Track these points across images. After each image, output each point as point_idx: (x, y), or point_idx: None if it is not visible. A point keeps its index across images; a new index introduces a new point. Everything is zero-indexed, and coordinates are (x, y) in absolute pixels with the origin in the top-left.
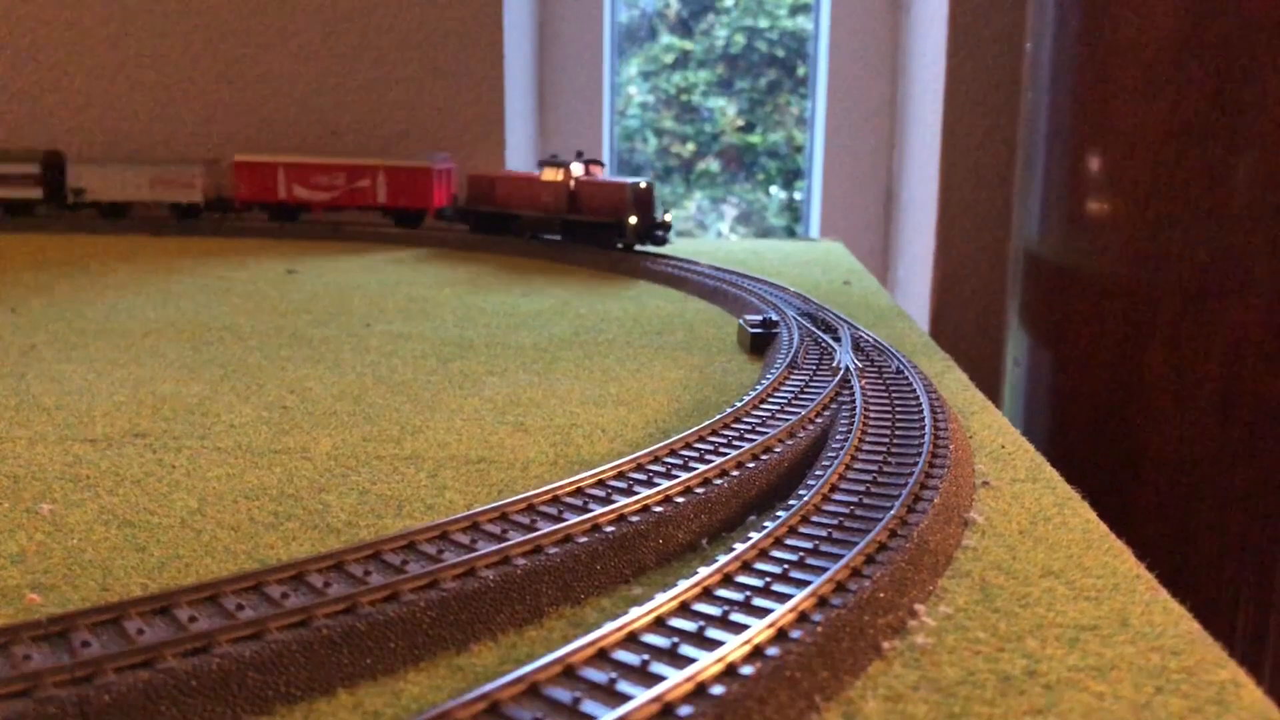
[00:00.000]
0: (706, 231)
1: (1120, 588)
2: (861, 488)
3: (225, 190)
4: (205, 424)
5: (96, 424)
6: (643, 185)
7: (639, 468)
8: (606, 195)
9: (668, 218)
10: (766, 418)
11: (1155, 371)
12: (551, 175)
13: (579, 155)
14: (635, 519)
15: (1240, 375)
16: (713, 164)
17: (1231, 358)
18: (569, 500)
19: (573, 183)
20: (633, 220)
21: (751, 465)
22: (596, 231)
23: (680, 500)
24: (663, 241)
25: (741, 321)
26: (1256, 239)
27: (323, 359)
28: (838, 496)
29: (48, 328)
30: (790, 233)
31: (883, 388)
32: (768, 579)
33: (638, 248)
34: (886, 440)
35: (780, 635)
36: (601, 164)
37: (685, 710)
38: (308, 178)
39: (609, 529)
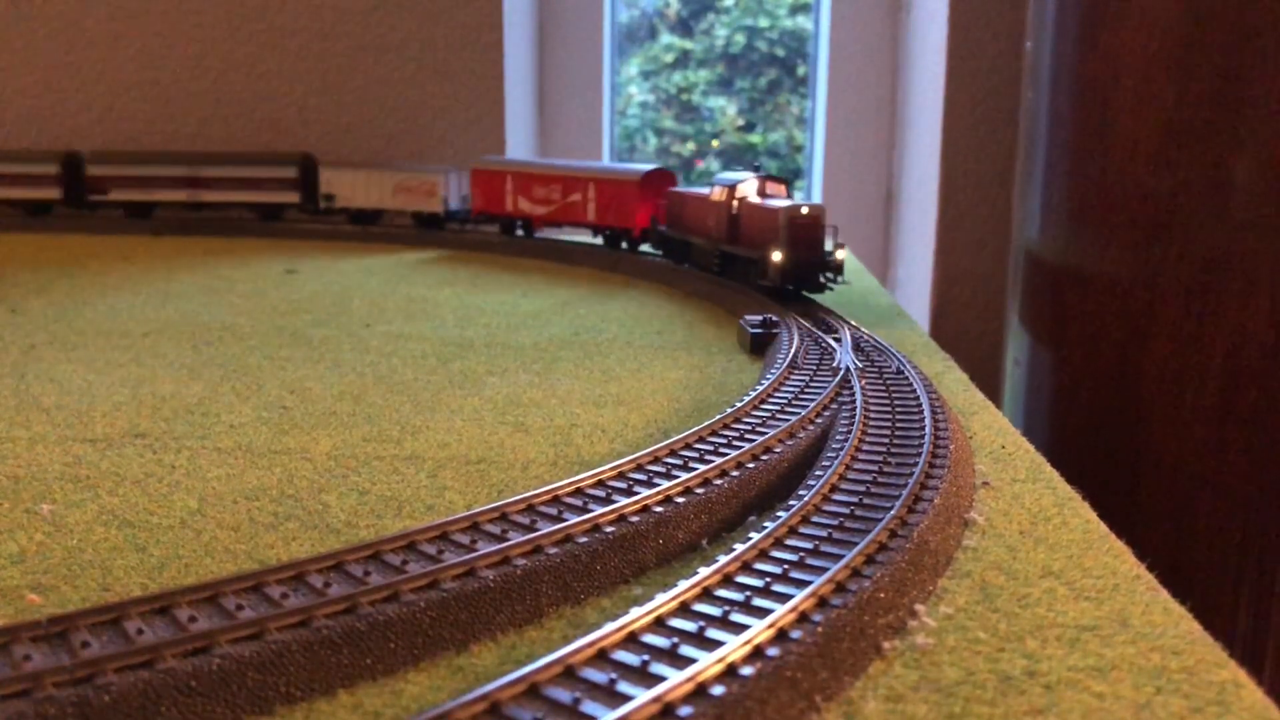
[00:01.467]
0: None
1: (1120, 588)
2: (862, 488)
3: (458, 201)
4: (205, 424)
5: (96, 424)
6: (805, 210)
7: (639, 468)
8: (760, 222)
9: (839, 254)
10: (766, 418)
11: (1155, 372)
12: (718, 195)
13: (755, 169)
14: (635, 519)
15: (1240, 375)
16: (713, 163)
17: (1231, 358)
18: (569, 500)
19: (735, 204)
20: (777, 257)
21: (751, 465)
22: (747, 268)
23: (680, 501)
24: (823, 287)
25: (742, 322)
26: (1256, 239)
27: (323, 359)
28: (838, 497)
29: (48, 328)
30: None
31: (883, 388)
32: (768, 579)
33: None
34: (886, 440)
35: (780, 635)
36: (783, 181)
37: (685, 711)
38: (529, 188)
39: (609, 529)
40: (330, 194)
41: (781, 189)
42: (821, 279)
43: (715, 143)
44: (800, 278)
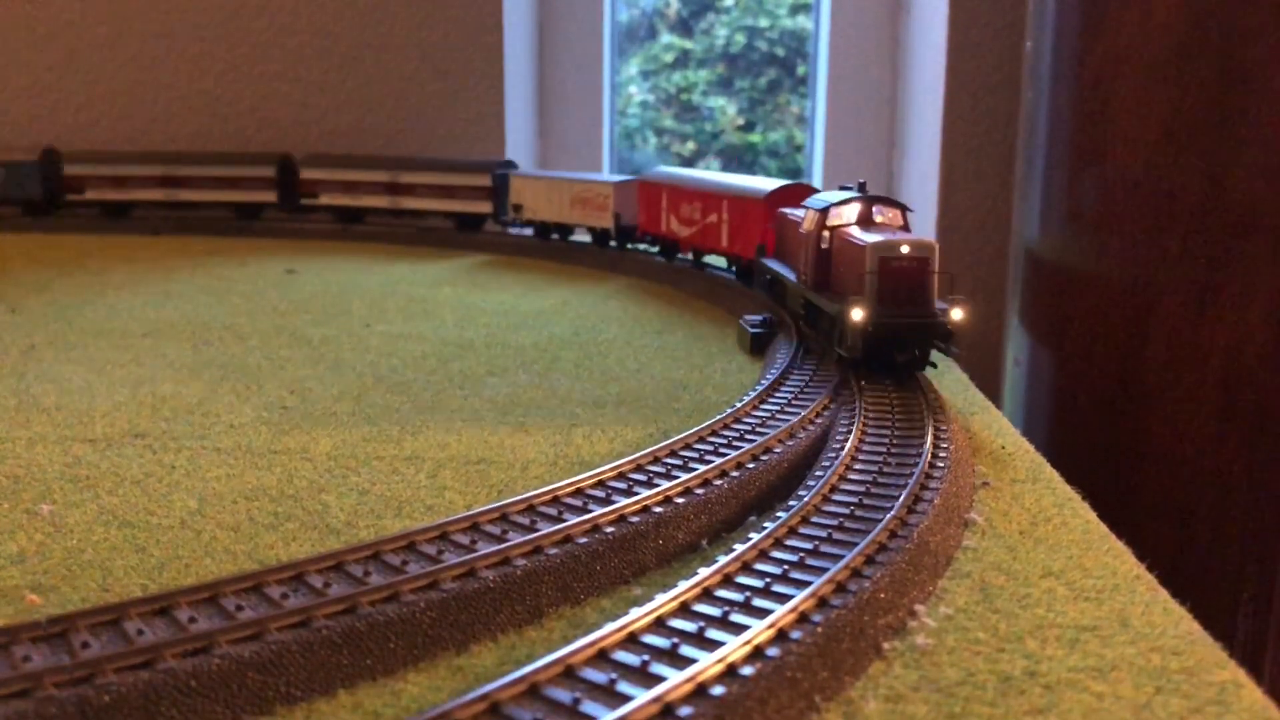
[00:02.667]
0: None
1: (1120, 588)
2: (862, 488)
3: (627, 216)
4: (205, 424)
5: (96, 424)
6: (905, 249)
7: (639, 468)
8: (845, 262)
9: (956, 314)
10: (766, 418)
11: (1155, 371)
12: (808, 223)
13: (859, 187)
14: (635, 519)
15: (1240, 375)
16: (713, 163)
17: (1231, 358)
18: (569, 501)
19: (826, 236)
20: (857, 315)
21: (751, 466)
22: (830, 326)
23: (680, 501)
24: (926, 364)
25: (741, 321)
26: (1256, 239)
27: (323, 359)
28: (838, 497)
29: (47, 328)
30: None
31: (883, 388)
32: (768, 580)
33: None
34: (886, 441)
35: (780, 636)
36: (899, 205)
37: (685, 711)
38: (678, 205)
39: (609, 529)
40: (519, 204)
41: (896, 215)
42: (926, 351)
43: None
44: (892, 347)
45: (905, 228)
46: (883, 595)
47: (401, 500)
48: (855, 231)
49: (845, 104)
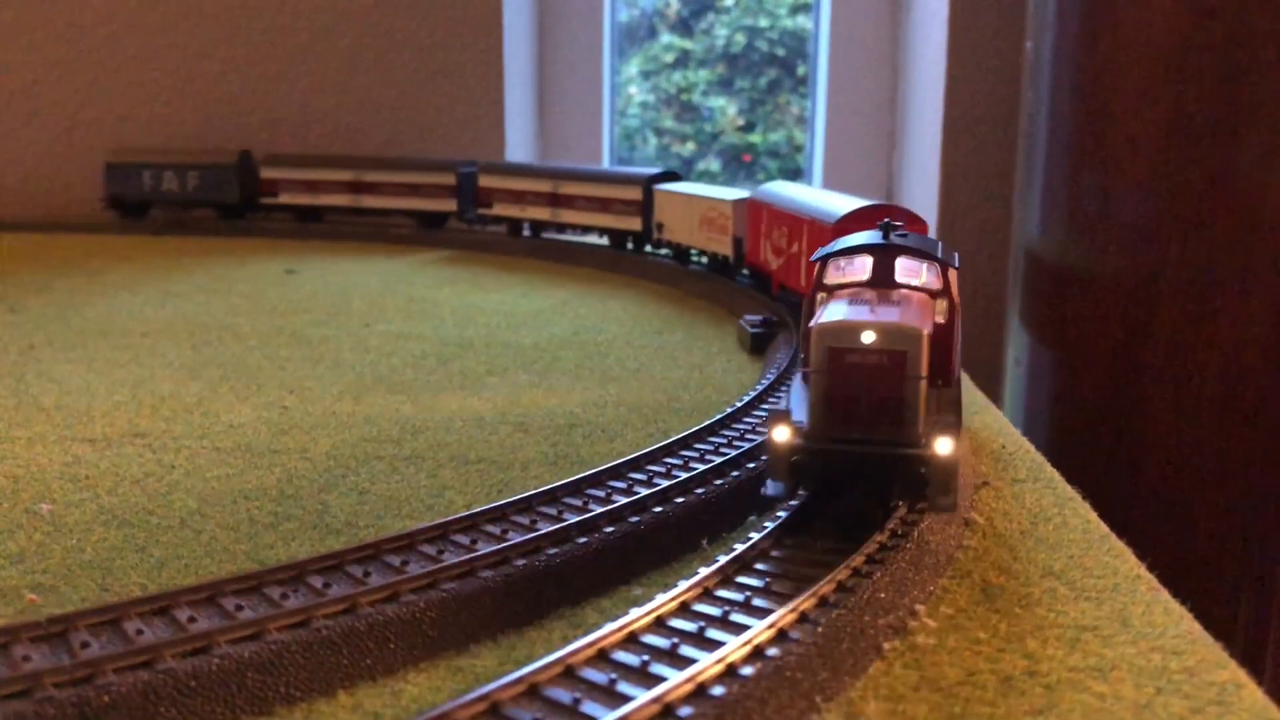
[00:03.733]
0: None
1: (1121, 588)
2: None
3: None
4: (205, 424)
5: (96, 424)
6: (868, 338)
7: (638, 468)
8: (808, 350)
9: (942, 446)
10: (767, 418)
11: (1156, 371)
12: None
13: (884, 230)
14: (635, 519)
15: (1241, 375)
16: (714, 163)
17: (1232, 358)
18: (569, 500)
19: (819, 298)
20: (781, 435)
21: (751, 465)
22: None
23: (680, 500)
24: (875, 514)
25: (741, 321)
26: (1257, 239)
27: (322, 359)
28: None
29: (47, 327)
30: None
31: None
32: (768, 579)
33: None
34: None
35: (781, 636)
36: (943, 262)
37: (685, 711)
38: (771, 231)
39: (609, 529)
40: (661, 223)
41: (929, 273)
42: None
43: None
44: (840, 485)
45: (938, 293)
46: (883, 595)
47: (401, 500)
48: (831, 305)
49: (845, 104)
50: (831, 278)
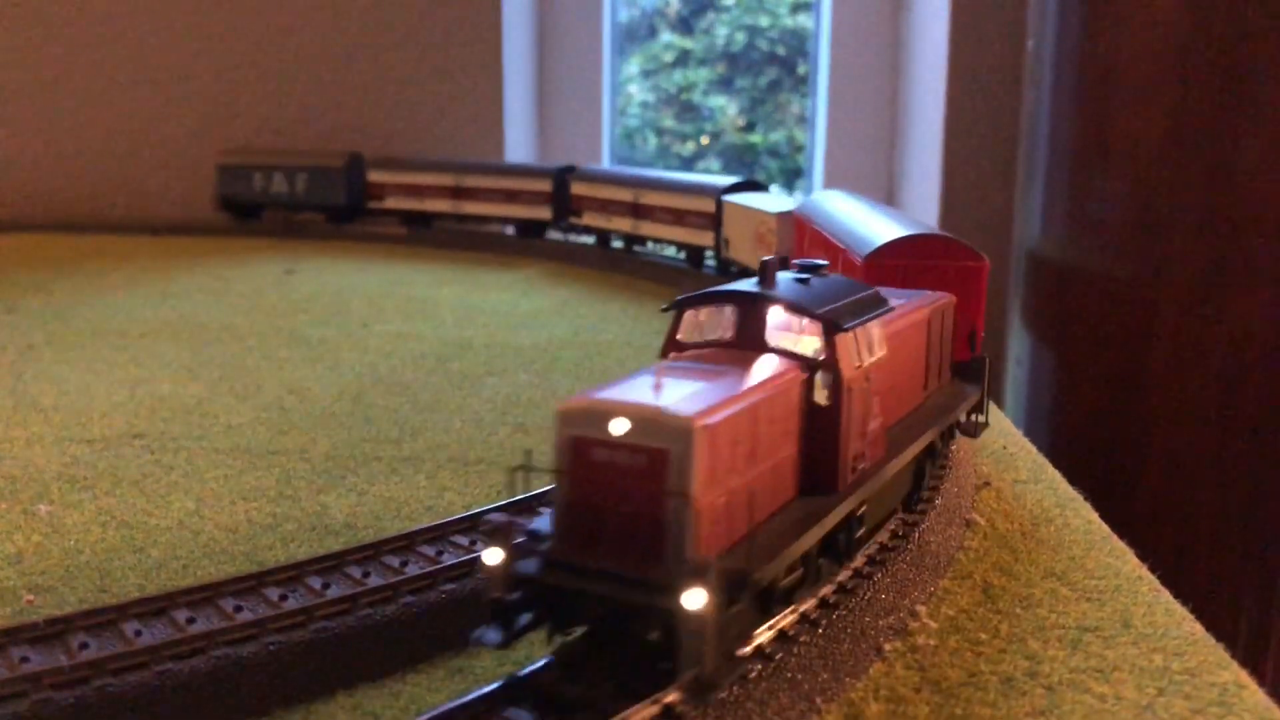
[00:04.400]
0: None
1: (1122, 589)
2: None
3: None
4: (203, 425)
5: (94, 425)
6: (620, 428)
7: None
8: None
9: (692, 600)
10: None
11: (1157, 371)
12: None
13: (767, 270)
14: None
15: (1243, 375)
16: (714, 163)
17: (1234, 358)
18: None
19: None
20: (493, 558)
21: None
22: None
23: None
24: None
25: None
26: (1259, 238)
27: (321, 359)
28: None
29: (45, 328)
30: None
31: None
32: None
33: None
34: None
35: (781, 637)
36: (828, 323)
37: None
38: (813, 253)
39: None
40: (728, 238)
41: (816, 338)
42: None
43: (704, 139)
44: (561, 625)
45: (820, 365)
46: (884, 596)
47: (400, 501)
48: (655, 375)
49: (846, 103)
50: (687, 333)
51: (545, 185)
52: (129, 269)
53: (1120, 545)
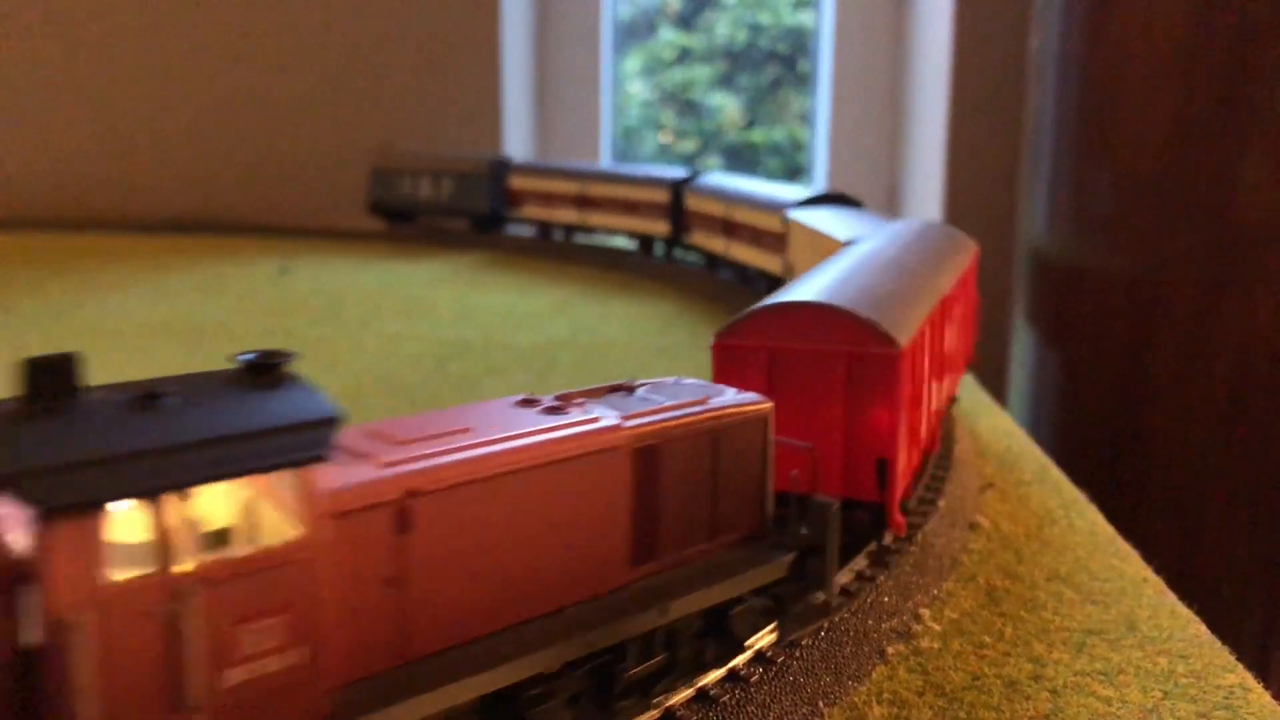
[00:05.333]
0: None
1: (1128, 591)
2: None
3: None
4: None
5: None
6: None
7: None
8: None
9: None
10: None
11: (1163, 372)
12: None
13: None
14: None
15: (1248, 375)
16: (714, 161)
17: (1239, 358)
18: None
19: None
20: None
21: None
22: None
23: None
24: None
25: None
26: (1264, 237)
27: (318, 360)
28: None
29: (40, 327)
30: None
31: None
32: None
33: None
34: None
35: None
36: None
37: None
38: None
39: None
40: (792, 263)
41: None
42: None
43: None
44: None
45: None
46: (887, 599)
47: None
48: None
49: (849, 101)
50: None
51: (662, 196)
52: (124, 268)
53: (1125, 547)
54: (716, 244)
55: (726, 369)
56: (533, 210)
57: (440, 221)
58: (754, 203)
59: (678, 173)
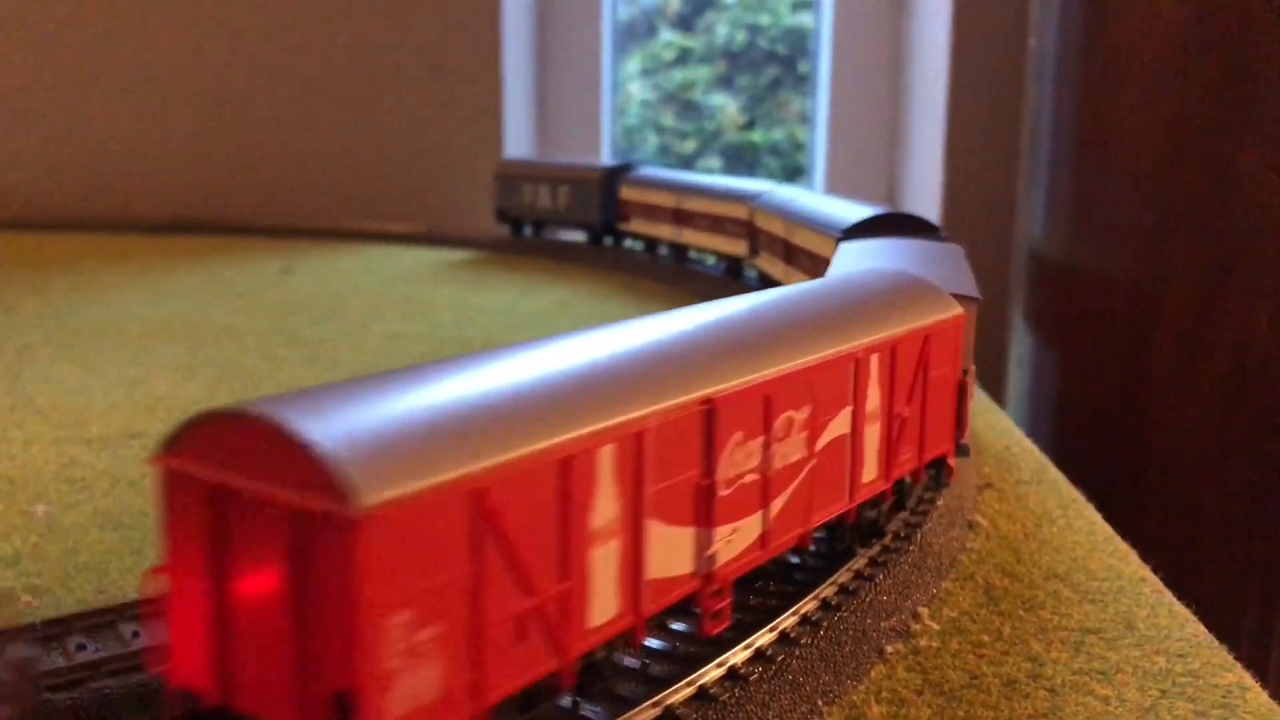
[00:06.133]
0: None
1: (1125, 590)
2: None
3: None
4: None
5: (92, 425)
6: None
7: None
8: None
9: None
10: None
11: (1161, 371)
12: None
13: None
14: None
15: (1246, 375)
16: (714, 161)
17: (1237, 358)
18: None
19: None
20: None
21: None
22: None
23: None
24: None
25: None
26: (1262, 237)
27: (320, 359)
28: None
29: (42, 327)
30: None
31: None
32: (770, 581)
33: None
34: None
35: (783, 638)
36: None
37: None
38: None
39: None
40: None
41: None
42: None
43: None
44: None
45: None
46: (885, 598)
47: None
48: None
49: (848, 102)
50: None
51: (743, 212)
52: (127, 268)
53: (1123, 546)
54: (777, 269)
55: (174, 505)
56: (639, 224)
57: (557, 234)
58: (811, 223)
59: (757, 185)
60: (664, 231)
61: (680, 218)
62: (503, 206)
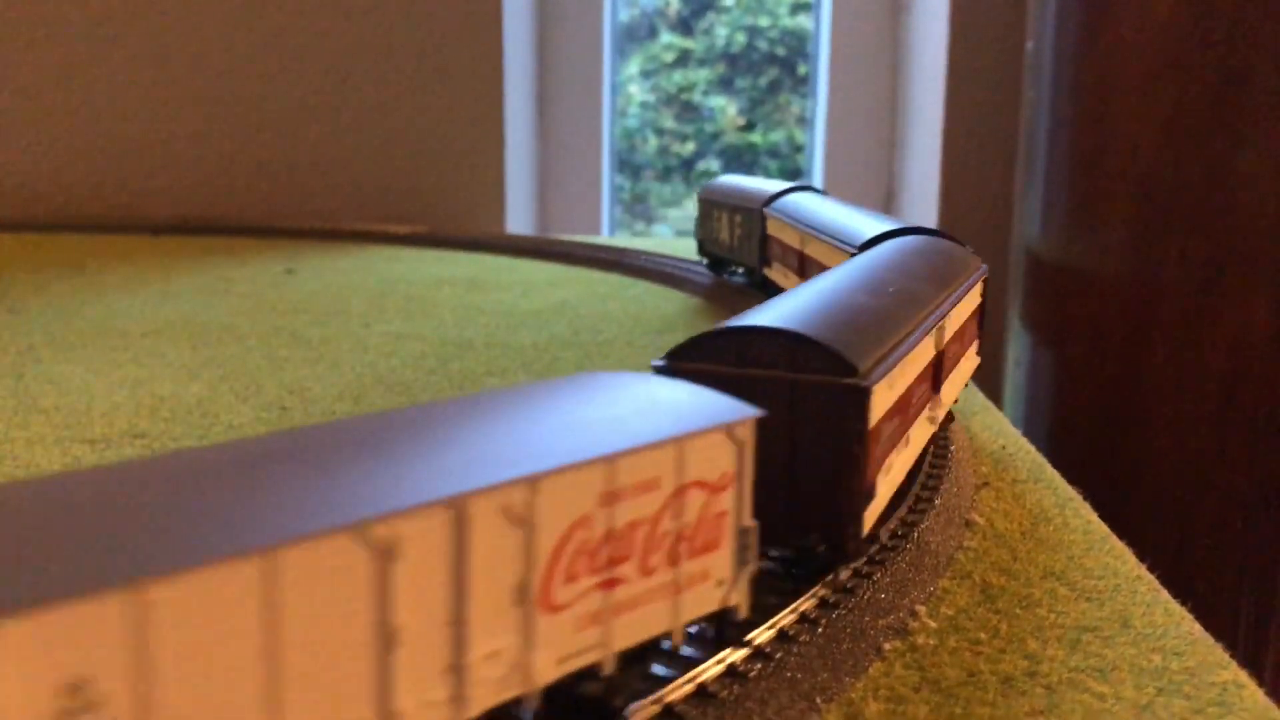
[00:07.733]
0: None
1: (1122, 589)
2: None
3: None
4: (204, 425)
5: (95, 425)
6: None
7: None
8: None
9: None
10: None
11: (1156, 371)
12: None
13: None
14: None
15: (1243, 376)
16: (713, 163)
17: (1234, 358)
18: None
19: None
20: None
21: None
22: None
23: None
24: None
25: None
26: (1259, 238)
27: (322, 359)
28: None
29: (46, 328)
30: None
31: None
32: (768, 579)
33: None
34: None
35: (781, 636)
36: None
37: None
38: None
39: None
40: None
41: None
42: None
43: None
44: None
45: None
46: (883, 596)
47: None
48: None
49: (846, 104)
50: None
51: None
52: (129, 269)
53: (1119, 545)
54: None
55: None
56: (779, 271)
57: (732, 273)
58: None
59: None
60: (792, 279)
61: (805, 264)
62: (701, 240)
